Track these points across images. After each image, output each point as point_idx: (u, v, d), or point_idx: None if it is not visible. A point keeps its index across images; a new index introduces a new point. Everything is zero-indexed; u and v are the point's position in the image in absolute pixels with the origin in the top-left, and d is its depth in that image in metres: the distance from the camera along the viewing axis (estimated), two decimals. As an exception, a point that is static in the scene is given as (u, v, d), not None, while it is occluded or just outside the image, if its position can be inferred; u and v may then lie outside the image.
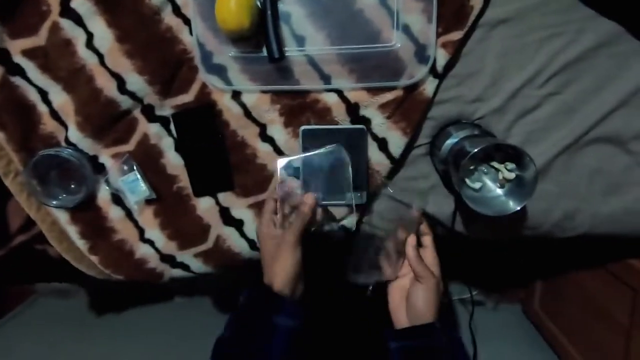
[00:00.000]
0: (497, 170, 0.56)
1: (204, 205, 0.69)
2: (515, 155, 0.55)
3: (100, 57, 0.63)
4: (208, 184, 0.68)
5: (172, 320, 1.35)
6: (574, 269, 1.04)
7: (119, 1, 0.62)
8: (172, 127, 0.67)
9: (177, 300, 1.41)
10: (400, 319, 0.52)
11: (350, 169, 0.59)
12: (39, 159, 0.64)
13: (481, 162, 0.58)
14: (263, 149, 0.66)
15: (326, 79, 0.63)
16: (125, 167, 0.67)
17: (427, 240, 0.56)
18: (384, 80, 0.62)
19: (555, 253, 1.07)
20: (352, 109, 0.64)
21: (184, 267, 0.72)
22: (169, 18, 0.63)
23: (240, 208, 0.69)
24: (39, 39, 0.64)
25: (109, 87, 0.64)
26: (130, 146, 0.68)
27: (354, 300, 0.63)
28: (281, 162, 0.59)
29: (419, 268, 0.51)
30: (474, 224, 0.68)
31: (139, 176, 0.66)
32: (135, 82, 0.64)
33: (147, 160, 0.68)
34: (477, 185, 0.57)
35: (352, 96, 0.63)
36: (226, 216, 0.69)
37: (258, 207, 0.69)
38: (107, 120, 0.66)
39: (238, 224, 0.70)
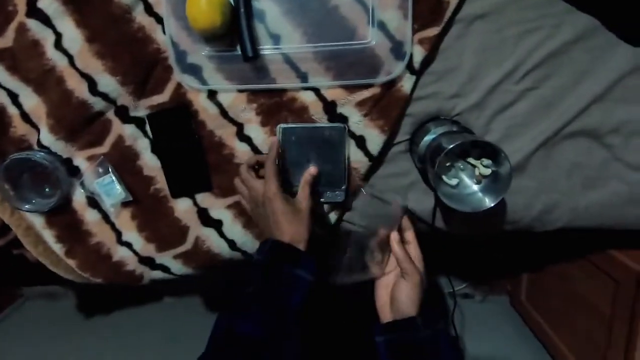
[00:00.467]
0: (474, 166, 0.56)
1: (182, 207, 0.68)
2: (491, 151, 0.55)
3: (70, 58, 0.62)
4: (185, 185, 0.67)
5: (161, 320, 1.35)
6: (558, 261, 1.05)
7: (88, 1, 0.60)
8: (147, 128, 0.66)
9: (167, 300, 1.41)
10: (387, 314, 0.53)
11: (346, 151, 0.62)
12: (10, 163, 0.63)
13: (458, 158, 0.57)
14: (241, 149, 0.65)
15: (303, 77, 0.62)
16: (101, 170, 0.66)
17: (410, 235, 0.57)
18: (360, 78, 0.62)
19: (540, 245, 1.08)
20: (329, 107, 0.63)
21: (164, 268, 0.71)
22: (140, 17, 0.62)
23: (219, 209, 0.68)
24: (6, 40, 0.62)
25: (80, 89, 0.62)
26: (104, 148, 0.66)
27: (342, 297, 0.63)
28: (282, 126, 0.62)
29: (406, 264, 0.52)
30: (454, 219, 0.68)
31: (114, 178, 0.65)
32: (107, 83, 0.62)
33: (122, 162, 0.67)
34: (453, 181, 0.56)
35: (329, 94, 0.63)
36: (205, 217, 0.68)
37: (237, 208, 0.68)
38: (80, 123, 0.64)
39: (217, 225, 0.69)
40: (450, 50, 0.64)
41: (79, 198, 0.68)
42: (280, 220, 0.54)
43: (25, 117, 0.66)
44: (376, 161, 0.66)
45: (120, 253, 0.70)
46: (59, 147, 0.65)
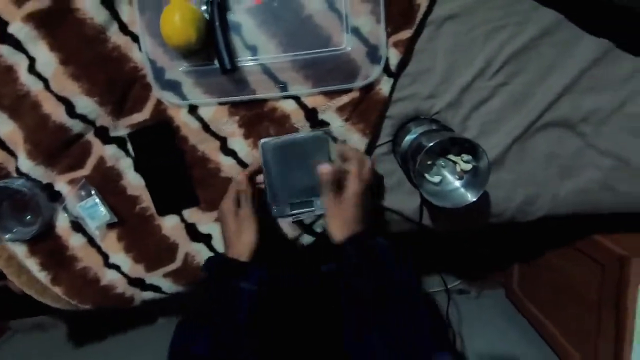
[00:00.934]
0: (455, 162, 0.57)
1: (169, 224, 0.68)
2: (470, 147, 0.56)
3: (45, 81, 0.61)
4: (171, 202, 0.67)
5: (156, 342, 1.32)
6: (545, 250, 1.07)
7: (61, 23, 0.60)
8: (129, 147, 0.66)
9: (160, 321, 1.38)
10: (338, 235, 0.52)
11: (331, 158, 0.60)
12: (-12, 192, 0.62)
13: (438, 156, 0.59)
14: (226, 163, 0.66)
15: (282, 86, 0.63)
16: (83, 193, 0.65)
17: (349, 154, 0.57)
18: (339, 84, 0.63)
19: (527, 236, 1.10)
20: (311, 114, 0.64)
21: (155, 288, 0.70)
22: (115, 37, 0.62)
23: (207, 223, 0.68)
24: (-22, 67, 0.61)
25: (57, 112, 0.61)
26: (86, 170, 0.65)
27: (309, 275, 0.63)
28: (262, 141, 0.60)
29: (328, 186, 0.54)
30: (440, 217, 0.69)
31: (97, 200, 0.64)
32: (85, 104, 0.62)
33: (105, 183, 0.66)
34: (436, 179, 0.58)
35: (309, 101, 0.64)
36: (193, 232, 0.68)
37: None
38: (58, 146, 0.63)
39: (206, 239, 0.68)
40: (424, 52, 0.65)
41: (62, 223, 0.67)
42: (228, 236, 0.57)
43: (2, 144, 0.64)
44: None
45: (109, 276, 0.69)
46: (39, 172, 0.64)
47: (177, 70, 0.62)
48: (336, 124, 0.64)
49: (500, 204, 0.69)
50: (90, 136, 0.65)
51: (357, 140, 0.64)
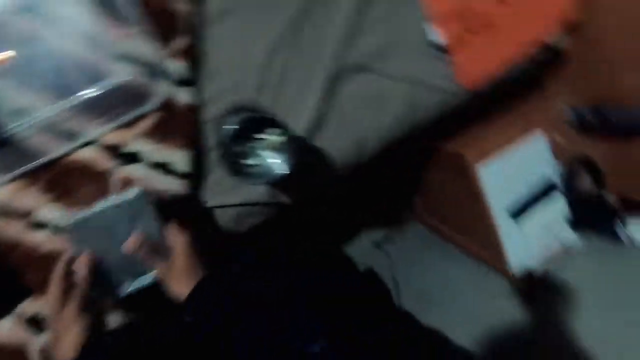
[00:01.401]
0: (266, 139, 0.59)
1: (6, 328, 0.59)
2: (273, 121, 0.58)
3: None
4: None
5: None
6: (420, 171, 1.19)
7: None
8: None
9: None
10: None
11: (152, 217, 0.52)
12: None
13: (249, 140, 0.60)
14: (40, 238, 0.59)
15: (71, 136, 0.59)
16: None
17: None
18: (131, 112, 0.60)
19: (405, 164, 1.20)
20: (115, 152, 0.60)
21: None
22: None
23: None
24: None
25: None
26: None
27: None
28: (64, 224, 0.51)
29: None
30: (292, 190, 0.72)
31: None
32: None
33: None
34: (256, 161, 0.59)
35: (108, 140, 0.60)
36: (37, 322, 0.60)
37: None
38: None
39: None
40: (214, 49, 0.67)
41: None
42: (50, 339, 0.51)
43: None
44: (195, 176, 0.66)
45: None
46: None
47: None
48: (147, 149, 0.61)
49: (340, 154, 0.73)
50: None
51: (179, 157, 0.63)
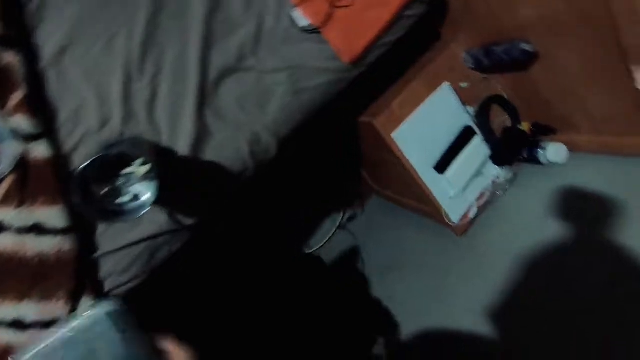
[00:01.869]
0: (131, 173, 0.56)
1: None
2: (133, 154, 0.55)
3: None
4: None
5: None
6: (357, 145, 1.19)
7: None
8: None
9: None
10: None
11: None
12: None
13: (113, 179, 0.57)
14: None
15: None
16: None
17: None
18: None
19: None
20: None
21: None
22: None
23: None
24: None
25: None
26: None
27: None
28: None
29: None
30: (189, 212, 0.69)
31: None
32: None
33: None
34: (128, 197, 0.56)
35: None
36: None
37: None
38: None
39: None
40: (65, 91, 0.63)
41: None
42: None
43: None
44: (75, 227, 0.62)
45: None
46: None
47: None
48: (10, 216, 0.58)
49: (237, 161, 0.72)
50: None
51: (51, 214, 0.59)
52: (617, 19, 0.64)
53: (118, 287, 0.65)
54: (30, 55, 0.60)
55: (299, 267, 1.52)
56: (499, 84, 1.05)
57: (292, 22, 0.73)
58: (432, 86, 1.00)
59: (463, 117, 1.02)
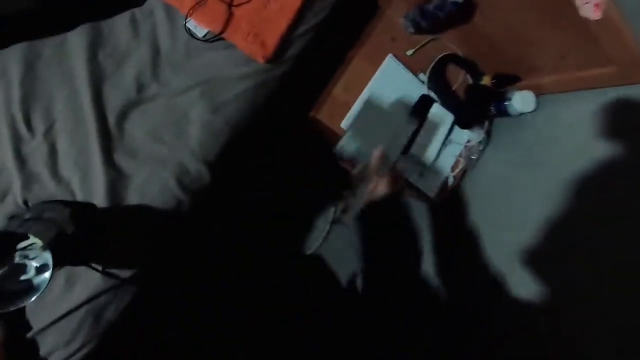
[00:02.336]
0: (26, 249, 0.51)
1: None
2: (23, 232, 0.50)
3: None
4: None
5: None
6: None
7: None
8: None
9: None
10: None
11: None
12: None
13: (8, 255, 0.51)
14: None
15: None
16: None
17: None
18: None
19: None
20: None
21: None
22: None
23: None
24: None
25: None
26: None
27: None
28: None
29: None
30: (118, 261, 0.64)
31: None
32: None
33: None
34: (33, 271, 0.50)
35: None
36: None
37: None
38: None
39: None
40: None
41: None
42: None
43: None
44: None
45: None
46: None
47: None
48: None
49: (166, 198, 0.65)
50: None
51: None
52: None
53: (68, 359, 0.61)
54: None
55: (302, 270, 1.47)
56: (450, 43, 0.96)
57: (190, 34, 0.67)
58: (375, 62, 0.92)
59: (416, 87, 0.94)
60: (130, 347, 0.71)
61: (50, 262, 0.48)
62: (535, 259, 0.70)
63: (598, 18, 0.56)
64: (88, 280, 0.61)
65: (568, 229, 0.67)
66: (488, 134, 0.96)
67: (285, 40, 0.72)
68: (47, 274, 0.49)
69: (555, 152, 0.77)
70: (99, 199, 0.61)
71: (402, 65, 0.93)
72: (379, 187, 0.62)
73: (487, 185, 0.94)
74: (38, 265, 0.50)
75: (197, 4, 0.66)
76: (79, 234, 0.57)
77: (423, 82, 0.94)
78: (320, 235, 1.46)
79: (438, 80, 0.95)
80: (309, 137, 1.14)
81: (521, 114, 0.87)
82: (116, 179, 0.62)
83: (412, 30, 0.91)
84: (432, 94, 0.94)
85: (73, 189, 0.61)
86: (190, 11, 0.66)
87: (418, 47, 0.93)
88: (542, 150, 0.82)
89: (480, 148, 0.95)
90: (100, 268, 0.61)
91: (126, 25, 0.64)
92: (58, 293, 0.60)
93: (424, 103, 0.92)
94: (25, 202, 0.58)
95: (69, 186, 0.61)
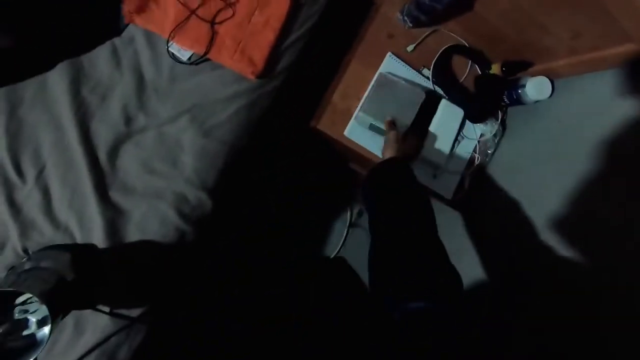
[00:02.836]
0: (26, 305, 0.49)
1: None
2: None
3: None
4: None
5: None
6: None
7: None
8: None
9: None
10: None
11: None
12: None
13: (8, 312, 0.50)
14: None
15: None
16: None
17: None
18: None
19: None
20: None
21: None
22: None
23: None
24: None
25: None
26: None
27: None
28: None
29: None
30: (124, 301, 0.62)
31: None
32: None
33: None
34: (34, 326, 0.49)
35: None
36: None
37: None
38: None
39: None
40: None
41: None
42: None
43: None
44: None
45: None
46: None
47: None
48: None
49: (167, 230, 0.63)
50: None
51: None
52: None
53: (85, 405, 0.60)
54: None
55: (326, 272, 1.45)
56: (452, 33, 0.90)
57: (174, 58, 0.64)
58: (374, 63, 0.87)
59: (421, 84, 0.89)
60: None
61: (48, 315, 0.47)
62: (552, 256, 0.64)
63: (614, -9, 0.49)
64: (97, 323, 0.60)
65: (587, 222, 0.61)
66: (503, 124, 0.90)
67: (275, 53, 0.69)
68: (46, 329, 0.47)
69: (573, 139, 0.71)
70: (99, 239, 0.60)
71: (403, 63, 0.88)
72: (386, 152, 0.68)
73: (503, 178, 0.88)
74: (39, 318, 0.49)
75: (177, 26, 0.63)
76: (81, 278, 0.55)
77: (427, 78, 0.88)
78: (339, 239, 1.43)
79: (443, 74, 0.89)
80: (309, 143, 1.10)
81: (536, 101, 0.81)
82: (114, 216, 0.60)
83: (410, 25, 0.86)
84: (438, 90, 0.89)
85: (72, 231, 0.59)
86: (172, 34, 0.63)
87: (418, 41, 0.88)
88: (559, 138, 0.75)
89: (496, 141, 0.89)
90: (107, 310, 0.60)
91: (107, 57, 0.62)
92: (68, 340, 0.59)
93: (431, 100, 0.87)
94: (25, 250, 0.57)
95: (68, 229, 0.59)
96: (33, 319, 0.49)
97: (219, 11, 0.65)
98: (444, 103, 0.87)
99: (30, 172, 0.58)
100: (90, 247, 0.59)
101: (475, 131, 0.90)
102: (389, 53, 0.87)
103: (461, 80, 0.90)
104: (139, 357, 0.66)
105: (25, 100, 0.58)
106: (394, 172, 0.63)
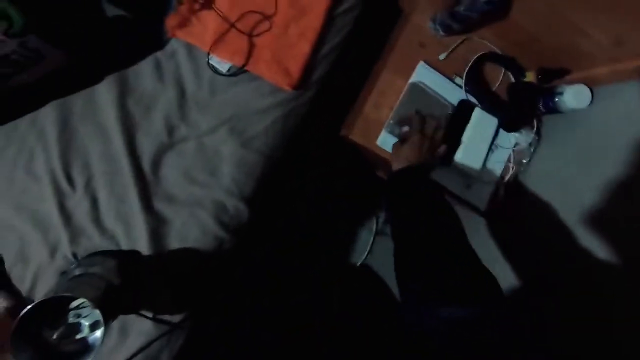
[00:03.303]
0: (78, 309, 0.51)
1: None
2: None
3: None
4: None
5: None
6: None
7: None
8: None
9: None
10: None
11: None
12: None
13: (62, 316, 0.52)
14: None
15: None
16: None
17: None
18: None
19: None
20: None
21: None
22: None
23: None
24: None
25: None
26: None
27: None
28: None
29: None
30: (166, 307, 0.63)
31: None
32: None
33: None
34: (87, 329, 0.51)
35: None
36: None
37: None
38: None
39: None
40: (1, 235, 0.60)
41: None
42: None
43: None
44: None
45: None
46: None
47: None
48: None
49: (206, 238, 0.64)
50: None
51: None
52: None
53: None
54: None
55: (351, 280, 1.45)
56: (484, 40, 0.89)
57: (214, 70, 0.66)
58: (406, 72, 0.87)
59: (454, 92, 0.88)
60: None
61: (101, 319, 0.48)
62: (590, 267, 0.62)
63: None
64: (140, 328, 0.62)
65: (626, 233, 0.59)
66: (538, 133, 0.88)
67: (310, 64, 0.70)
68: (98, 333, 0.49)
69: (612, 148, 0.69)
70: (143, 247, 0.61)
71: (435, 72, 0.87)
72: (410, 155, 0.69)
73: (538, 188, 0.86)
74: (91, 322, 0.51)
75: (217, 39, 0.65)
76: (127, 283, 0.57)
77: (460, 87, 0.88)
78: (365, 247, 1.43)
79: (476, 83, 0.88)
80: (337, 153, 1.10)
81: (573, 110, 0.79)
82: (157, 225, 0.62)
83: (442, 33, 0.86)
84: (471, 98, 0.88)
85: (118, 239, 0.61)
86: (212, 47, 0.65)
87: (450, 49, 0.88)
88: (598, 147, 0.73)
89: (532, 150, 0.87)
90: (150, 315, 0.62)
91: (151, 70, 0.64)
92: (113, 344, 0.61)
93: (464, 109, 0.86)
94: (75, 255, 0.60)
95: (114, 237, 0.61)
96: (86, 323, 0.51)
97: (256, 24, 0.67)
98: (477, 112, 0.86)
99: (79, 181, 0.60)
100: (134, 254, 0.62)
101: (510, 140, 0.88)
102: (421, 62, 0.87)
103: (494, 88, 0.89)
104: (179, 361, 0.67)
105: (75, 112, 0.61)
106: (417, 180, 0.64)
